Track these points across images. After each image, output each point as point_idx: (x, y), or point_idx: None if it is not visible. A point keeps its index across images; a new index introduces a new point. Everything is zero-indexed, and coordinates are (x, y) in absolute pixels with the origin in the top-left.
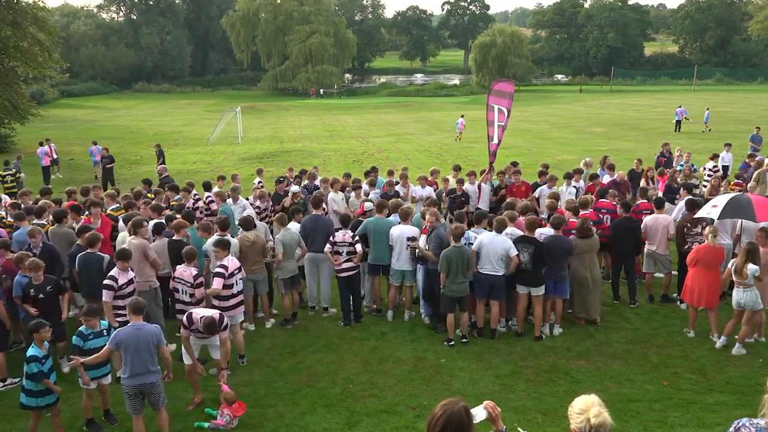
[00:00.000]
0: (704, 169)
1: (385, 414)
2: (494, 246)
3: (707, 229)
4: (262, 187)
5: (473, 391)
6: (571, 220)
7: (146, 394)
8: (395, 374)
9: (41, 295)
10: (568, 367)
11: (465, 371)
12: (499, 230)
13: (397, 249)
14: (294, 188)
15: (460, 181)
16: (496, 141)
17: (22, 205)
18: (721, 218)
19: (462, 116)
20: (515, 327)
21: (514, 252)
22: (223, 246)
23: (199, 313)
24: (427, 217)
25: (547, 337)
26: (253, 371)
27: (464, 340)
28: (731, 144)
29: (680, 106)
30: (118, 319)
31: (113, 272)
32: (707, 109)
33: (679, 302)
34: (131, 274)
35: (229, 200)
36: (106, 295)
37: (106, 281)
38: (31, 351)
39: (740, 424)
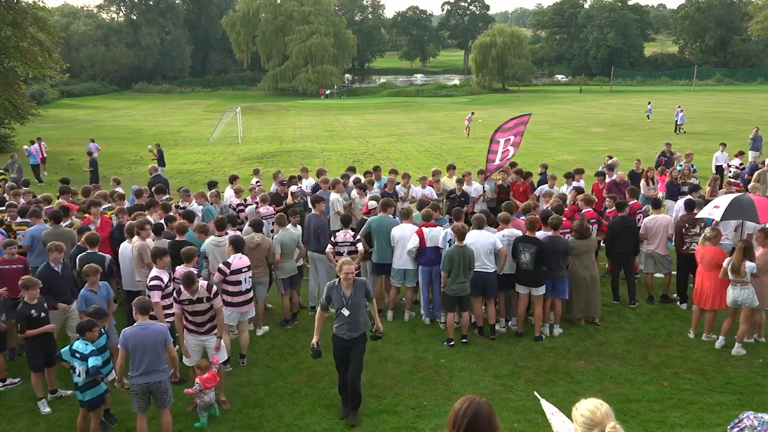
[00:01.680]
0: (728, 165)
1: (385, 414)
2: (481, 242)
3: (706, 231)
4: (259, 185)
5: (473, 392)
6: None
7: (154, 392)
8: (395, 374)
9: (42, 314)
10: (568, 368)
11: (465, 371)
12: (479, 227)
13: (399, 249)
14: (293, 188)
15: (460, 181)
16: (498, 162)
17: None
18: (724, 219)
19: (472, 113)
20: (515, 327)
21: (500, 245)
22: (234, 244)
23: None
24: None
25: (547, 338)
26: (252, 371)
27: (464, 340)
28: (726, 144)
29: (679, 107)
30: (168, 319)
31: (155, 272)
32: (681, 111)
33: (679, 302)
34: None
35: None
36: (155, 296)
37: (152, 282)
38: (89, 347)
39: (744, 416)
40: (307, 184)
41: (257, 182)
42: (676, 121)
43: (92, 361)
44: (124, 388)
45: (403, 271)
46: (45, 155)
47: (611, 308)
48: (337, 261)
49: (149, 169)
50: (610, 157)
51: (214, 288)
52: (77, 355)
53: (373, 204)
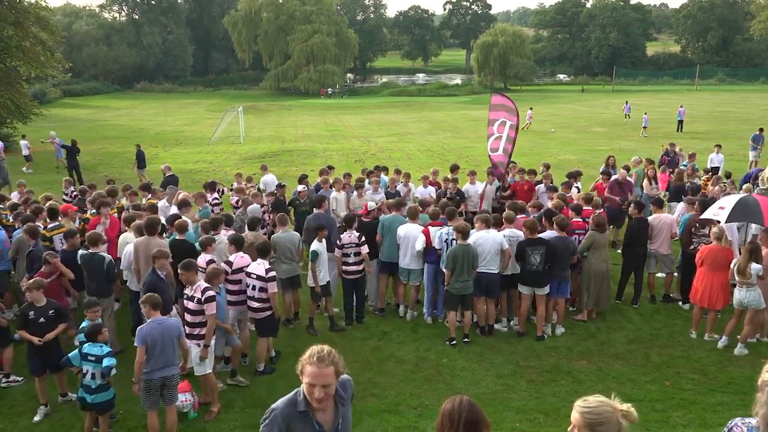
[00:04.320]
0: None
1: (386, 414)
2: (489, 242)
3: (713, 229)
4: (254, 186)
5: (475, 391)
6: (575, 220)
7: (166, 386)
8: (397, 374)
9: (42, 320)
10: (569, 367)
11: (467, 371)
12: (487, 227)
13: (404, 247)
14: (300, 187)
15: (455, 180)
16: (501, 152)
17: None
18: (729, 221)
19: (531, 108)
20: (517, 327)
21: (506, 245)
22: (235, 243)
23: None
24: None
25: (549, 337)
26: (255, 371)
27: (466, 339)
28: (721, 145)
29: (681, 106)
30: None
31: (202, 284)
32: (645, 113)
33: (681, 302)
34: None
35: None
36: (210, 308)
37: (209, 293)
38: (105, 348)
39: (732, 424)
40: (265, 180)
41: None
42: (679, 120)
43: (106, 362)
44: (139, 389)
45: (408, 270)
46: (28, 152)
47: (613, 308)
48: (342, 263)
49: (162, 168)
50: (612, 158)
51: (208, 293)
52: (90, 358)
53: (372, 205)
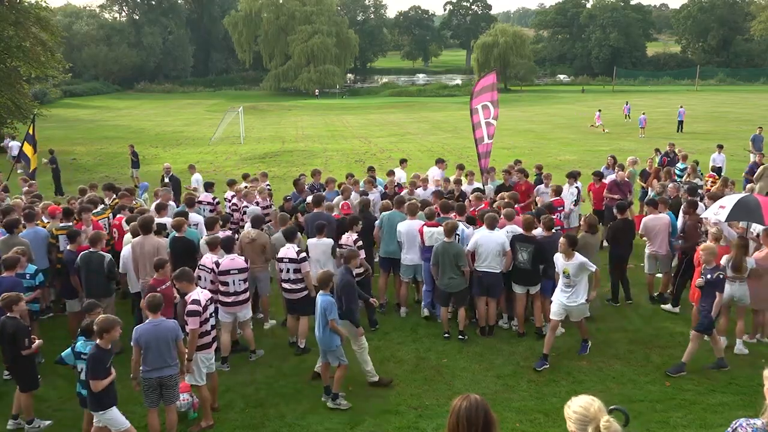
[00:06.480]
0: None
1: (387, 414)
2: (491, 243)
3: (711, 230)
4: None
5: (475, 392)
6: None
7: (164, 386)
8: (397, 374)
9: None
10: (570, 368)
11: (467, 371)
12: (491, 227)
13: (406, 245)
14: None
15: (457, 182)
16: (487, 140)
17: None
18: (729, 220)
19: (599, 110)
20: (516, 327)
21: (508, 247)
22: (222, 245)
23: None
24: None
25: None
26: (255, 371)
27: (462, 337)
28: (723, 145)
29: (681, 107)
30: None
31: (194, 295)
32: (643, 114)
33: (672, 305)
34: (208, 294)
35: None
36: (192, 323)
37: (191, 306)
38: (94, 348)
39: (737, 425)
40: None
41: (267, 185)
42: (679, 120)
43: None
44: (139, 387)
45: (413, 267)
46: (16, 153)
47: (613, 308)
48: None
49: (165, 168)
50: (613, 158)
51: (189, 307)
52: (83, 356)
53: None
